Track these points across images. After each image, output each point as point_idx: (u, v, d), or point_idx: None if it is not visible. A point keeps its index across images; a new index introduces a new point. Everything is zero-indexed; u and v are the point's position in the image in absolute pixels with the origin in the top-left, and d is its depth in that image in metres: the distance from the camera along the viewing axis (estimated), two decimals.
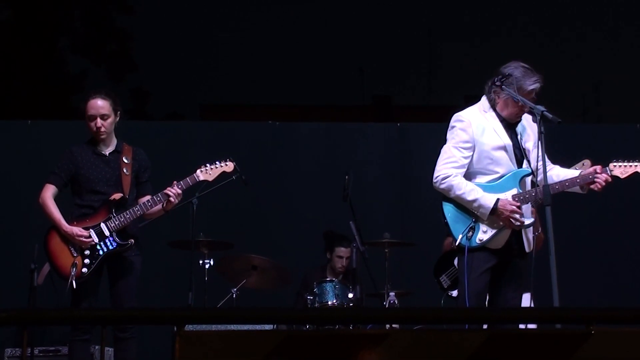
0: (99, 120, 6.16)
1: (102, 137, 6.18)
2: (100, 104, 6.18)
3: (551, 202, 5.11)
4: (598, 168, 5.55)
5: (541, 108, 5.24)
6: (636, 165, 5.62)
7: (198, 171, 6.24)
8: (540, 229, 6.59)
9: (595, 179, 5.50)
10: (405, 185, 8.84)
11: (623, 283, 8.59)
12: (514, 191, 5.47)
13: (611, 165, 5.58)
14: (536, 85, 5.48)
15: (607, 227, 8.88)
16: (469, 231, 5.42)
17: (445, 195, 5.54)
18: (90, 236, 6.02)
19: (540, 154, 5.23)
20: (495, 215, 5.39)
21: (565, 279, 5.10)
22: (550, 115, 5.19)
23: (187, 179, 6.20)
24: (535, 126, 5.58)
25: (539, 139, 5.23)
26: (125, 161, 6.20)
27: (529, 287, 6.22)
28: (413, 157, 8.92)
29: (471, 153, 5.51)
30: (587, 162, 5.85)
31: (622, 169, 5.59)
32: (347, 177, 7.13)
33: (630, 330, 3.72)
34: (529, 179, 5.54)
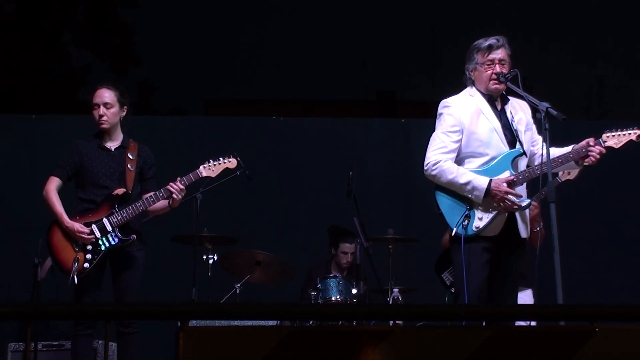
0: (101, 108, 6.16)
1: (104, 126, 6.18)
2: (104, 93, 6.20)
3: (555, 198, 5.09)
4: (591, 140, 5.44)
5: (546, 104, 5.21)
6: (630, 134, 5.47)
7: (201, 167, 6.24)
8: (542, 224, 6.57)
9: (589, 152, 5.41)
10: (409, 181, 8.81)
11: (627, 280, 8.57)
12: (507, 174, 5.40)
13: (604, 136, 5.47)
14: (492, 42, 5.46)
15: (612, 224, 8.87)
16: (464, 220, 5.36)
17: (438, 186, 5.48)
18: (91, 232, 6.02)
19: (544, 152, 5.19)
20: (490, 197, 5.32)
21: (569, 276, 5.09)
22: (554, 112, 5.16)
23: (190, 175, 6.19)
24: (527, 109, 5.57)
25: (544, 136, 5.20)
26: (131, 157, 6.20)
27: (532, 283, 6.19)
28: (417, 152, 8.85)
29: (460, 137, 5.46)
30: None
31: (616, 139, 5.46)
32: (350, 172, 7.12)
33: (634, 328, 3.71)
34: (522, 161, 5.47)
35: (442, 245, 7.59)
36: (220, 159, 6.29)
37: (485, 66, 5.48)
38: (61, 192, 6.18)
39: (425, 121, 6.63)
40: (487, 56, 5.47)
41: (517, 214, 5.40)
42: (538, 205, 6.62)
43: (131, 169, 6.18)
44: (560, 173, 6.49)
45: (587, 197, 8.48)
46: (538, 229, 6.49)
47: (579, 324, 3.75)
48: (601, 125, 5.63)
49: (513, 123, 5.50)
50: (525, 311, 4.29)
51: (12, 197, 8.63)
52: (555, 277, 4.88)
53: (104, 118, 6.16)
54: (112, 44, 25.46)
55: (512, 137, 5.48)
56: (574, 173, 6.48)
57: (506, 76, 5.44)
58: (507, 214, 5.37)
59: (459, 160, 5.48)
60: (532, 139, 5.59)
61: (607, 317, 3.71)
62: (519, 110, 5.58)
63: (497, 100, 5.57)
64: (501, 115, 5.52)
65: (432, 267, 7.73)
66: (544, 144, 5.18)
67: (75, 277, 5.89)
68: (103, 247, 6.03)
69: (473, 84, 5.56)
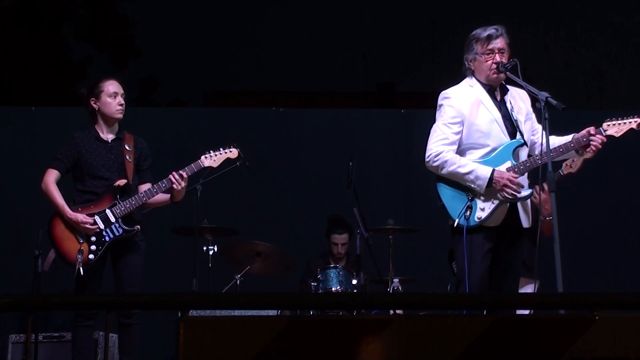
0: (121, 97, 6.18)
1: (120, 116, 6.19)
2: (120, 84, 6.25)
3: (555, 188, 5.09)
4: (592, 129, 5.45)
5: (545, 94, 5.20)
6: (630, 122, 5.47)
7: (202, 157, 6.25)
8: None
9: (590, 141, 5.42)
10: (409, 171, 8.82)
11: (627, 268, 8.58)
12: (508, 164, 5.40)
13: (605, 124, 5.47)
14: (491, 31, 5.45)
15: (612, 212, 8.87)
16: (466, 210, 5.36)
17: (439, 177, 5.47)
18: (95, 223, 6.02)
19: (544, 141, 5.19)
20: (492, 186, 5.32)
21: (569, 265, 5.09)
22: (554, 102, 5.16)
23: (192, 165, 6.21)
24: (526, 98, 5.57)
25: (543, 125, 5.20)
26: (128, 148, 6.21)
27: (537, 276, 6.18)
28: (417, 143, 8.84)
29: (461, 128, 5.45)
30: None
31: (616, 128, 5.46)
32: (350, 163, 7.13)
33: (634, 316, 3.71)
34: (522, 151, 5.47)
35: None
36: (221, 149, 6.31)
37: (485, 56, 5.47)
38: (58, 184, 6.17)
39: (425, 112, 6.68)
40: (486, 46, 5.47)
41: (519, 204, 5.40)
42: (546, 190, 6.60)
43: (129, 160, 6.18)
44: (563, 167, 6.49)
45: (587, 186, 8.46)
46: (548, 219, 6.47)
47: (579, 312, 3.75)
48: (601, 114, 5.64)
49: (513, 113, 5.49)
50: (525, 300, 4.29)
51: (12, 188, 8.62)
52: (555, 265, 4.89)
53: (123, 107, 6.19)
54: (111, 37, 25.47)
55: (512, 127, 5.48)
56: (575, 167, 6.48)
57: (506, 66, 5.43)
58: (509, 204, 5.37)
59: (460, 152, 5.47)
60: (532, 128, 5.59)
61: (607, 305, 3.71)
62: (519, 100, 5.57)
63: (496, 91, 5.56)
64: (501, 105, 5.52)
65: (432, 257, 7.74)
66: (544, 132, 5.19)
67: (81, 268, 5.90)
68: (107, 239, 6.03)
69: (472, 74, 5.56)
